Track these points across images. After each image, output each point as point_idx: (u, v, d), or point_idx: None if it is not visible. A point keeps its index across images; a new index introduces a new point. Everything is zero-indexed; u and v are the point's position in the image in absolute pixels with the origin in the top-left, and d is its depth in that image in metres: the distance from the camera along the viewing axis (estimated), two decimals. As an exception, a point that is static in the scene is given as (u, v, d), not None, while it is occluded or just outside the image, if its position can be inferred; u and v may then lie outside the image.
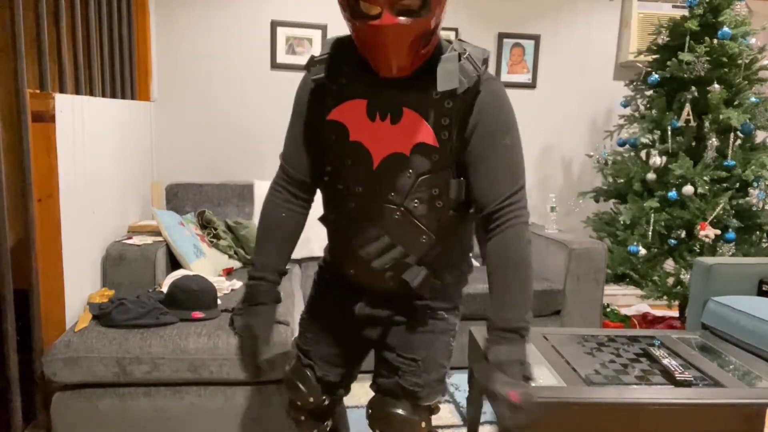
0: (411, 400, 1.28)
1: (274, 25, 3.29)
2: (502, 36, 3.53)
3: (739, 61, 2.95)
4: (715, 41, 2.94)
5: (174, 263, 2.53)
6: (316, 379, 1.38)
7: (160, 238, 2.53)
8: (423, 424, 1.30)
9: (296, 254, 3.08)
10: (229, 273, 2.75)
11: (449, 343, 1.33)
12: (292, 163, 1.31)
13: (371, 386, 1.36)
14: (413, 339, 1.29)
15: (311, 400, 1.38)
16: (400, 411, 1.28)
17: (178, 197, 3.03)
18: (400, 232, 1.21)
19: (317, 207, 1.36)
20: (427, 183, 1.17)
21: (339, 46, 1.21)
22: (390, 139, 1.16)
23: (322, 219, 1.34)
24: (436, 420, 2.31)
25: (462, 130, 1.16)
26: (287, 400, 1.46)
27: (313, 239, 2.85)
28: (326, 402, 1.41)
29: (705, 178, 2.88)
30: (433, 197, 1.18)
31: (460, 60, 1.13)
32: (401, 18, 1.04)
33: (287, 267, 1.34)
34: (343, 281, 1.35)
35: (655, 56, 3.19)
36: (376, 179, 1.19)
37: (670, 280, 3.00)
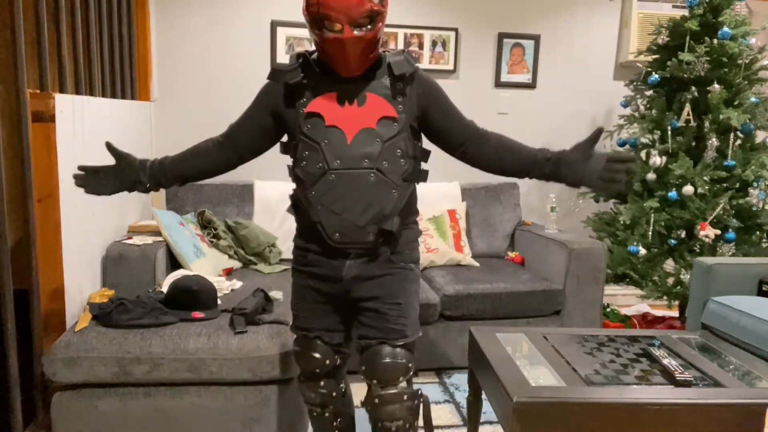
0: (398, 341, 1.57)
1: (274, 25, 3.29)
2: (502, 36, 3.53)
3: (739, 61, 2.95)
4: (715, 41, 2.94)
5: (174, 263, 2.53)
6: (326, 344, 1.65)
7: (160, 238, 2.53)
8: (410, 365, 1.59)
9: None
10: (229, 273, 2.75)
11: (418, 291, 1.68)
12: (240, 138, 1.64)
13: (357, 345, 1.63)
14: (394, 288, 1.59)
15: (327, 362, 1.65)
16: (397, 360, 1.56)
17: (178, 197, 3.03)
18: (375, 190, 1.50)
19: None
20: (392, 147, 1.51)
21: (302, 58, 1.54)
22: (359, 118, 1.49)
23: (300, 199, 1.57)
24: (436, 420, 2.32)
25: (411, 102, 1.54)
26: (303, 374, 1.69)
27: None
28: (338, 362, 1.68)
29: (705, 178, 2.88)
30: (397, 157, 1.52)
31: (403, 53, 1.56)
32: (356, 31, 1.40)
33: (176, 184, 1.65)
34: (327, 253, 1.57)
35: (655, 56, 3.19)
36: (351, 151, 1.49)
37: (670, 280, 3.00)
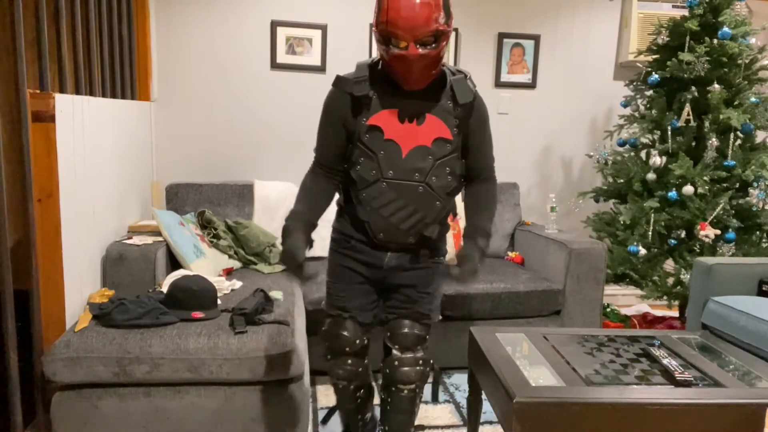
0: (423, 321, 1.81)
1: (274, 25, 3.29)
2: (502, 36, 3.53)
3: (739, 61, 2.95)
4: (715, 41, 2.94)
5: (174, 263, 2.53)
6: (358, 324, 1.79)
7: (160, 238, 2.53)
8: (426, 336, 1.83)
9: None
10: (229, 273, 2.75)
11: (443, 281, 1.88)
12: (328, 158, 1.72)
13: (383, 317, 1.83)
14: (427, 279, 1.79)
15: (357, 342, 1.79)
16: (415, 331, 1.79)
17: (178, 197, 3.03)
18: (421, 202, 1.66)
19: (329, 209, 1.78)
20: (442, 165, 1.65)
21: (370, 70, 1.65)
22: (416, 136, 1.62)
23: (351, 199, 1.71)
24: (436, 420, 2.32)
25: (464, 126, 1.67)
26: (330, 353, 1.83)
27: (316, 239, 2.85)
28: (365, 341, 1.83)
29: (705, 178, 2.88)
30: (446, 174, 1.66)
31: (467, 78, 1.66)
32: (421, 49, 1.49)
33: (318, 222, 1.73)
34: (370, 244, 1.74)
35: (655, 56, 3.19)
36: (404, 165, 1.63)
37: (670, 280, 3.00)
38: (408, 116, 1.62)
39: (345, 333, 1.78)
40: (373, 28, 1.56)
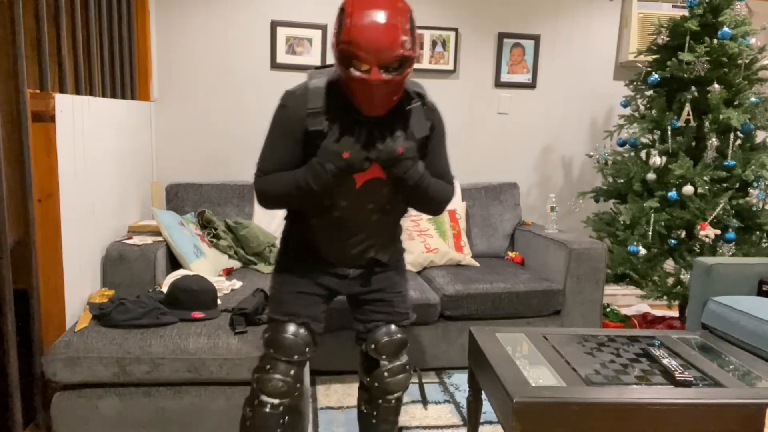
0: (401, 322, 1.76)
1: (274, 25, 3.29)
2: (502, 36, 3.53)
3: (739, 61, 2.95)
4: (715, 41, 2.94)
5: (174, 263, 2.53)
6: (310, 331, 1.66)
7: (160, 238, 2.53)
8: (407, 340, 1.78)
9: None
10: (229, 273, 2.75)
11: (408, 280, 1.86)
12: (276, 169, 1.56)
13: (361, 328, 1.76)
14: (395, 279, 1.77)
15: (307, 350, 1.65)
16: (398, 336, 1.73)
17: (178, 197, 3.03)
18: (374, 229, 1.64)
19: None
20: (396, 195, 1.61)
21: (327, 94, 1.51)
22: (372, 167, 1.52)
23: (300, 222, 1.65)
24: (436, 420, 2.32)
25: (423, 149, 1.60)
26: (273, 362, 1.63)
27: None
28: (313, 351, 1.69)
29: (705, 178, 2.88)
30: (398, 202, 1.64)
31: (423, 105, 1.57)
32: (384, 74, 1.38)
33: None
34: (330, 264, 1.69)
35: (655, 56, 3.19)
36: (359, 195, 1.57)
37: (670, 280, 3.00)
38: (364, 147, 1.50)
39: (295, 338, 1.62)
40: (333, 47, 1.42)
